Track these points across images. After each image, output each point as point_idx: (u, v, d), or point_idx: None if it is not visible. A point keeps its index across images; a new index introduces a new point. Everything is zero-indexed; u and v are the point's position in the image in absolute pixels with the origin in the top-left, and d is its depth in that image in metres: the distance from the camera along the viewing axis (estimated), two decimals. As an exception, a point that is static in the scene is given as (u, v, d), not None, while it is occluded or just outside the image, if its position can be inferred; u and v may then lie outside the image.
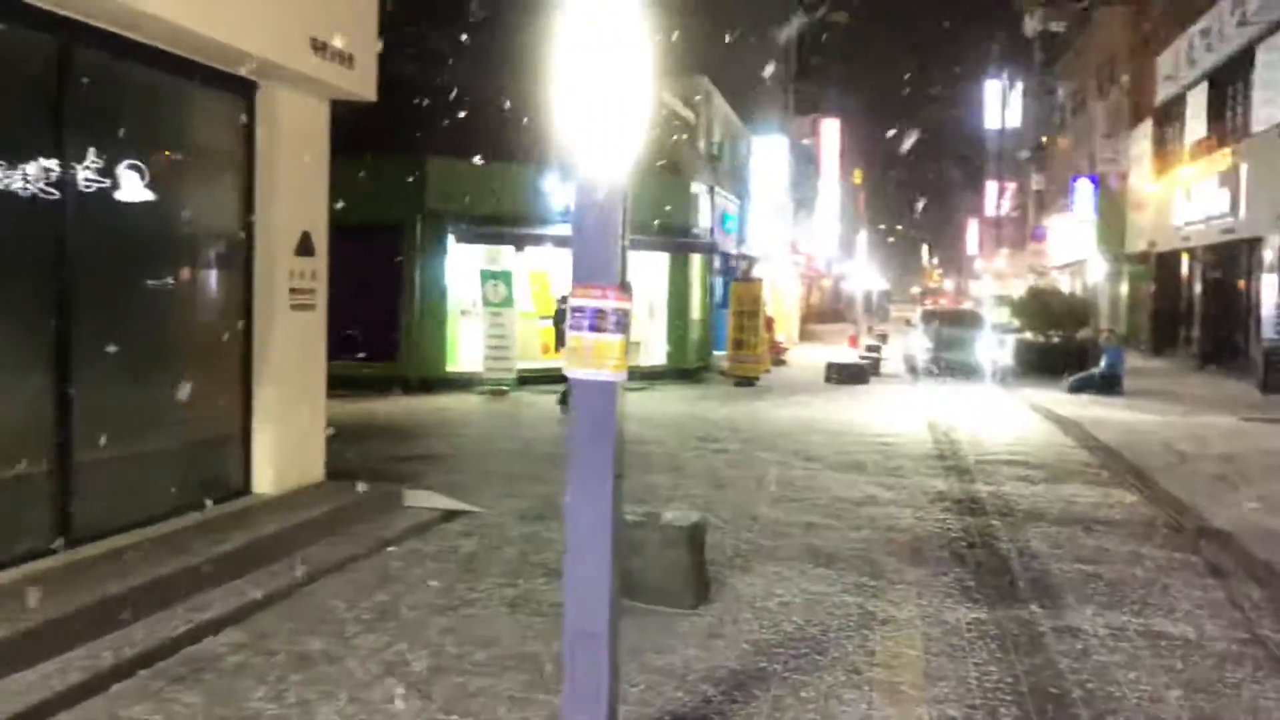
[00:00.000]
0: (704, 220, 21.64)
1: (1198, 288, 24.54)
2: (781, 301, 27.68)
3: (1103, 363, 19.40)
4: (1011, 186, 59.34)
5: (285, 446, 7.28)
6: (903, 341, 28.40)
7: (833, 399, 17.30)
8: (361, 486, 7.70)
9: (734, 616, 5.71)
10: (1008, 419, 14.99)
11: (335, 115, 7.78)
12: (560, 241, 18.34)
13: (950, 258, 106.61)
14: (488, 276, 16.76)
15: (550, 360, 17.87)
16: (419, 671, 4.82)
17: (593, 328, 3.73)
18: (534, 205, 17.53)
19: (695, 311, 21.19)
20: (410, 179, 16.63)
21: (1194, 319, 24.84)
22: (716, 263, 23.33)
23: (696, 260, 21.22)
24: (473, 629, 5.39)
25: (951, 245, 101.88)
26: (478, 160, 16.33)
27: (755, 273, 25.38)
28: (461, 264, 17.72)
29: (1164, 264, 27.20)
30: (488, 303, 16.63)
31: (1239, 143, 21.27)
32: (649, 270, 20.60)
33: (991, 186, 64.31)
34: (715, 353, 22.37)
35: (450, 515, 7.82)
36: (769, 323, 22.20)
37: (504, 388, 16.46)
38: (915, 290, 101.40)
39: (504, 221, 17.03)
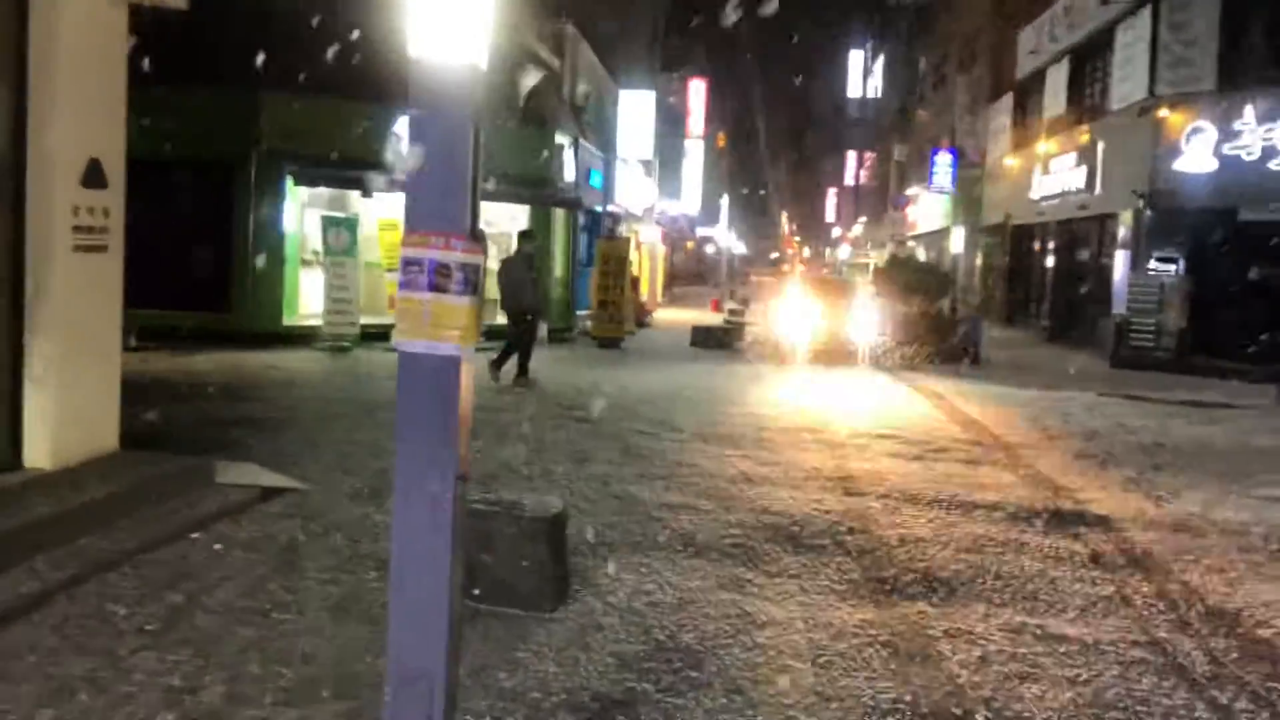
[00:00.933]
0: (568, 173, 20.69)
1: (1050, 261, 25.13)
2: (646, 262, 27.03)
3: (960, 333, 19.56)
4: (871, 156, 60.33)
5: (67, 411, 6.11)
6: (768, 314, 26.91)
7: (699, 364, 16.77)
8: (164, 459, 6.60)
9: (598, 621, 4.96)
10: (873, 389, 14.74)
11: (159, 40, 6.57)
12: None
13: (809, 225, 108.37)
14: (330, 223, 15.45)
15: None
16: (209, 702, 3.89)
17: (432, 286, 2.88)
18: (385, 147, 16.23)
19: (558, 269, 20.30)
20: (244, 113, 15.11)
21: (1045, 292, 25.47)
22: (581, 219, 22.42)
23: (560, 215, 20.30)
24: (284, 642, 4.47)
25: (810, 213, 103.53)
26: (322, 95, 14.91)
27: (621, 231, 24.68)
28: (303, 208, 16.34)
29: (1018, 237, 27.81)
30: (330, 251, 15.33)
31: (1097, 121, 21.69)
32: (509, 224, 19.58)
33: (851, 156, 65.33)
34: (578, 312, 21.55)
35: (271, 493, 6.80)
36: (634, 283, 21.52)
37: (346, 344, 15.24)
38: (774, 255, 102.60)
39: (351, 164, 15.65)
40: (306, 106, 15.35)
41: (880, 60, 56.93)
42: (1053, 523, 7.36)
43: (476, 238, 3.03)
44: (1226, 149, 17.44)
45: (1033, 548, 6.68)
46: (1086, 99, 23.07)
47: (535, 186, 18.73)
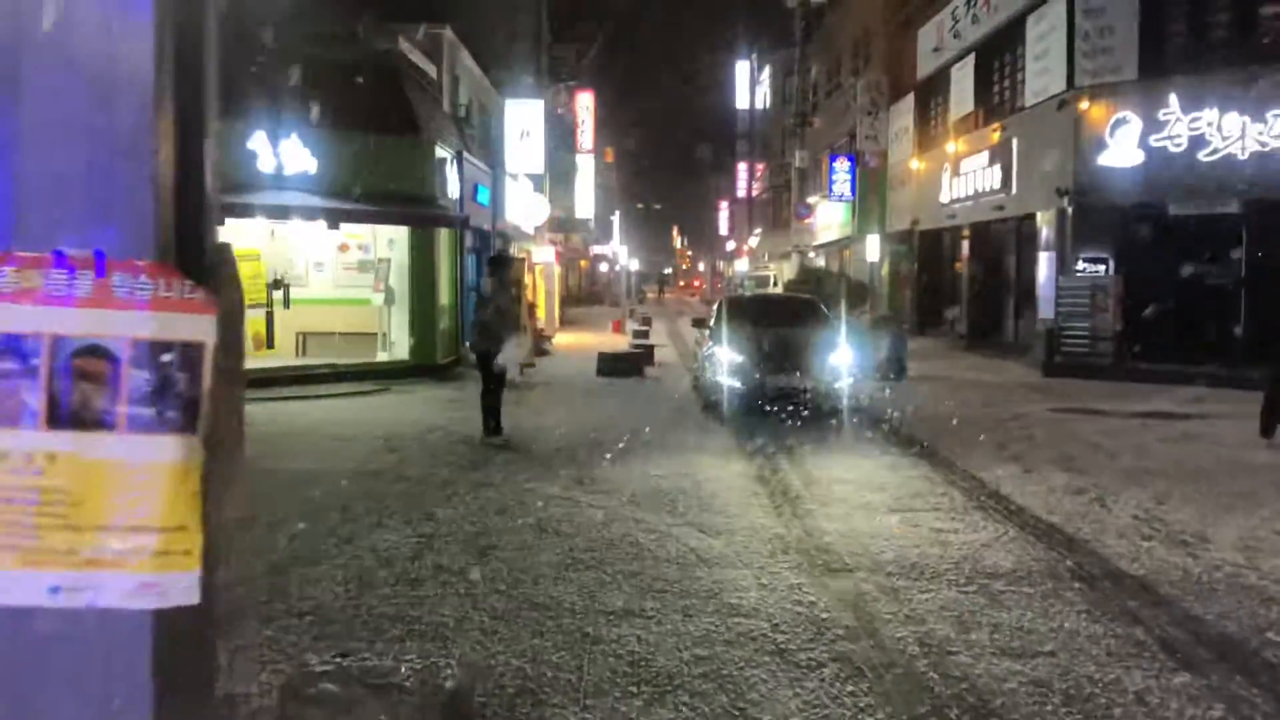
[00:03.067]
0: (452, 190, 18.73)
1: (964, 267, 24.17)
2: (542, 284, 25.16)
3: (885, 347, 18.20)
4: (762, 167, 59.59)
5: None
6: (685, 348, 22.85)
7: (611, 398, 14.97)
8: None
9: None
10: (806, 416, 13.10)
11: None
12: (277, 211, 15.03)
13: (701, 239, 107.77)
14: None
15: (260, 358, 14.55)
16: None
17: (60, 415, 1.01)
18: (237, 165, 14.08)
19: (444, 296, 18.26)
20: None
21: (960, 298, 24.49)
22: (469, 239, 20.44)
23: (444, 236, 18.29)
24: None
25: (702, 226, 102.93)
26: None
27: (513, 251, 22.83)
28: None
29: (927, 243, 26.84)
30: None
31: (1009, 116, 20.75)
32: (386, 249, 17.55)
33: (743, 167, 64.58)
34: (467, 344, 19.48)
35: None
36: (530, 309, 19.63)
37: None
38: (667, 271, 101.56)
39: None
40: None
41: (767, 70, 56.25)
42: (1090, 595, 5.81)
43: (211, 275, 1.18)
44: (1153, 140, 16.53)
45: (1088, 640, 5.10)
46: (996, 95, 22.15)
47: (415, 205, 16.74)
